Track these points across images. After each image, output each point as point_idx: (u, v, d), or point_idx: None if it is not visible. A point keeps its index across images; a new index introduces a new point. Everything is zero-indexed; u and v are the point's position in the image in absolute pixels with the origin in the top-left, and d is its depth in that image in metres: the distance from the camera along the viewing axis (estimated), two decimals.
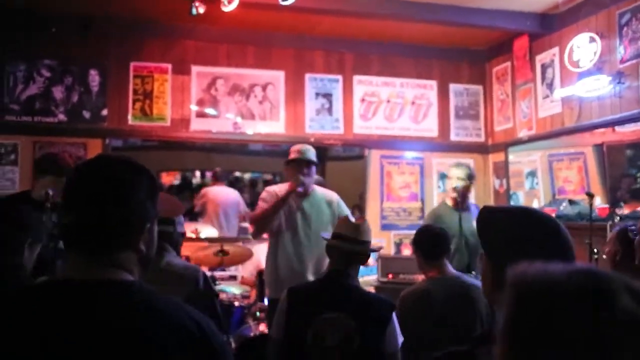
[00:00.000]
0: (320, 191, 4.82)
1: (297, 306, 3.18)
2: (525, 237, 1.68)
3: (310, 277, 4.52)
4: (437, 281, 3.67)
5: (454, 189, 5.36)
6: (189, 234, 6.55)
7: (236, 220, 8.44)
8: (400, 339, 3.17)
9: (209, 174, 11.92)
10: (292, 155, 4.66)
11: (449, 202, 5.47)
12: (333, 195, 4.84)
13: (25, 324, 1.35)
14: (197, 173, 12.65)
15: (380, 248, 4.06)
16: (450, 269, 3.80)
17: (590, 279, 0.89)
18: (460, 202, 5.32)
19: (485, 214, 1.84)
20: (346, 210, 4.73)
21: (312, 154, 4.67)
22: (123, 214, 1.47)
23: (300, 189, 4.57)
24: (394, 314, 3.17)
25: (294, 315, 3.15)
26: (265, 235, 5.04)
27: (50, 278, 1.50)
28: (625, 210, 5.90)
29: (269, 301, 4.83)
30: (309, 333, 3.04)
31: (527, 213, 1.81)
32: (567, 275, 0.90)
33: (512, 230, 1.72)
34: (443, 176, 7.42)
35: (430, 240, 3.80)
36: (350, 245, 3.30)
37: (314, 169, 4.69)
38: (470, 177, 5.39)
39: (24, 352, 1.32)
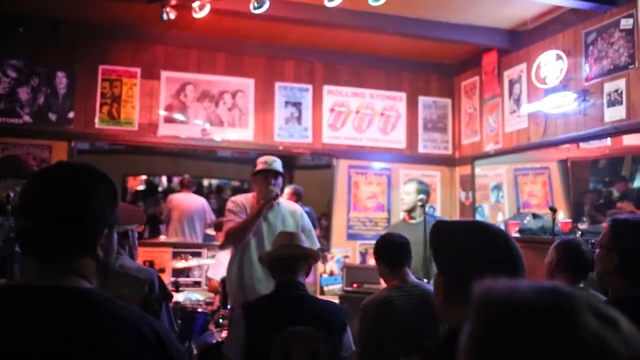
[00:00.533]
0: (284, 202, 4.87)
1: (256, 324, 3.14)
2: (476, 251, 1.70)
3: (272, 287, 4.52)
4: (400, 290, 3.65)
5: (401, 201, 5.66)
6: (180, 263, 6.52)
7: (201, 227, 8.40)
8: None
9: (176, 180, 11.85)
10: (259, 167, 4.66)
11: (405, 217, 5.63)
12: (297, 207, 4.90)
13: None
14: (164, 178, 12.56)
15: (318, 252, 4.06)
16: (412, 277, 3.81)
17: (556, 297, 0.90)
18: (412, 216, 5.48)
19: (438, 228, 1.86)
20: (308, 223, 4.79)
21: (278, 164, 4.68)
22: (79, 220, 1.46)
23: (276, 201, 4.61)
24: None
25: (254, 334, 3.11)
26: None
27: (6, 283, 1.47)
28: (586, 225, 5.99)
29: (230, 308, 4.81)
30: (273, 350, 3.03)
31: (477, 227, 1.83)
32: (535, 294, 0.91)
33: (463, 245, 1.74)
34: None
35: (393, 249, 3.79)
36: (287, 249, 3.40)
37: (280, 179, 4.70)
38: (419, 191, 5.48)
39: None
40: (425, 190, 5.55)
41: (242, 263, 4.61)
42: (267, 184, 4.58)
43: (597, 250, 2.38)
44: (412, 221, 5.45)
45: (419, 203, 5.40)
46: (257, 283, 4.53)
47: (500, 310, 0.90)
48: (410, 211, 5.51)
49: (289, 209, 4.80)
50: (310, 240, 4.36)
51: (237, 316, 3.26)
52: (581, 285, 3.44)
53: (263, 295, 3.61)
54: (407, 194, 5.52)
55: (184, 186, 9.07)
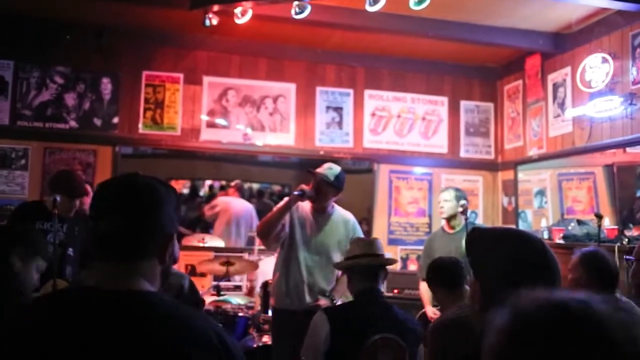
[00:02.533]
0: (339, 210, 4.84)
1: (340, 330, 3.15)
2: (514, 259, 1.69)
3: (316, 291, 4.53)
4: (468, 308, 3.56)
5: (440, 210, 5.56)
6: (196, 243, 6.56)
7: (246, 232, 8.42)
8: None
9: (216, 184, 11.95)
10: (319, 170, 4.65)
11: (445, 226, 5.58)
12: (350, 216, 4.85)
13: (55, 330, 1.38)
14: (207, 182, 12.67)
15: (395, 260, 4.10)
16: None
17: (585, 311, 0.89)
18: (452, 225, 5.42)
19: (474, 236, 1.85)
20: (359, 232, 4.78)
21: (330, 173, 4.62)
22: (157, 225, 1.54)
23: (308, 193, 4.57)
24: None
25: (340, 342, 3.12)
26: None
27: (77, 284, 1.52)
28: (634, 232, 5.85)
29: (273, 311, 4.82)
30: (360, 356, 3.04)
31: (514, 234, 1.81)
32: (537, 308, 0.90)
33: (500, 252, 1.72)
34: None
35: (447, 269, 3.72)
36: (374, 259, 3.40)
37: (330, 189, 4.65)
38: (457, 198, 5.44)
39: (53, 356, 1.35)
40: (463, 196, 5.50)
41: (288, 267, 4.60)
42: (317, 188, 4.60)
43: (634, 265, 2.35)
44: (452, 231, 5.41)
45: (460, 209, 5.34)
46: (301, 285, 4.53)
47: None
48: (450, 219, 5.45)
49: (342, 217, 4.78)
50: None
51: (319, 321, 3.26)
52: (617, 295, 3.34)
53: (345, 302, 3.66)
54: (445, 201, 5.46)
55: (236, 190, 9.06)
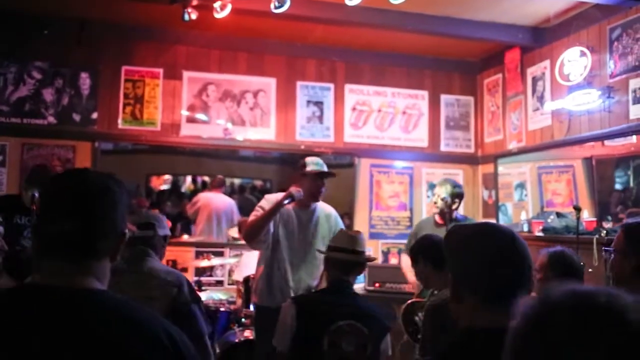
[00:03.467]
0: (321, 205, 4.82)
1: (308, 317, 3.23)
2: (482, 252, 1.76)
3: (302, 288, 4.51)
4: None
5: (434, 204, 5.51)
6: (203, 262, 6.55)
7: (227, 228, 8.41)
8: None
9: (199, 180, 11.93)
10: (310, 168, 4.61)
11: (436, 217, 5.53)
12: (332, 210, 4.85)
13: (2, 328, 1.36)
14: (188, 178, 12.63)
15: (374, 259, 4.10)
16: None
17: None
18: (447, 219, 5.31)
19: (449, 233, 1.95)
20: (341, 225, 4.78)
21: (321, 164, 4.68)
22: (112, 224, 1.52)
23: (297, 196, 4.52)
24: None
25: (305, 326, 3.21)
26: None
27: (27, 282, 1.50)
28: (611, 224, 5.92)
29: (255, 307, 4.78)
30: (324, 341, 3.13)
31: (483, 229, 1.88)
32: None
33: (470, 247, 1.81)
34: (432, 186, 7.45)
35: (437, 248, 3.65)
36: (349, 256, 3.44)
37: (325, 180, 4.70)
38: (453, 196, 5.39)
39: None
40: (460, 193, 5.48)
41: (272, 263, 4.57)
42: (316, 185, 4.60)
43: (612, 256, 2.38)
44: (442, 223, 5.35)
45: (455, 206, 5.35)
46: (285, 284, 4.51)
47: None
48: (442, 213, 5.42)
49: (325, 212, 4.78)
50: None
51: (286, 306, 3.33)
52: None
53: (315, 291, 3.70)
54: (441, 200, 5.38)
55: (215, 186, 9.09)
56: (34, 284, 1.49)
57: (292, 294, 4.40)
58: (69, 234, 1.47)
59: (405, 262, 5.28)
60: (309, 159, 4.71)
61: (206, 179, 11.53)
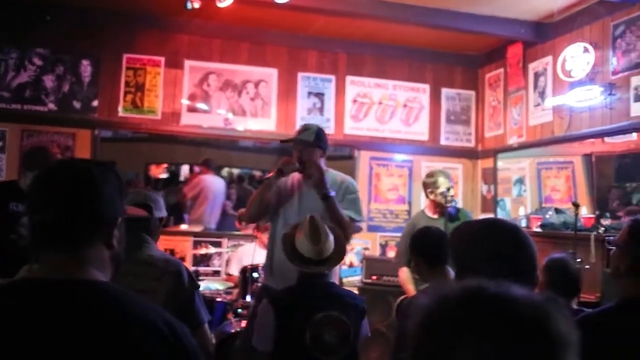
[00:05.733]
0: (333, 173, 4.36)
1: (286, 314, 3.17)
2: (484, 250, 1.75)
3: None
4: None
5: (441, 194, 5.13)
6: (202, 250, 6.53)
7: (219, 211, 8.39)
8: None
9: (197, 169, 11.85)
10: (295, 136, 4.32)
11: (428, 212, 5.31)
12: (345, 178, 4.41)
13: (2, 323, 1.35)
14: (186, 167, 12.61)
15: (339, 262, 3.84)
16: (453, 275, 3.41)
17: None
18: (445, 212, 5.08)
19: (456, 230, 1.95)
20: (352, 195, 4.32)
21: (308, 134, 4.24)
22: (95, 208, 1.49)
23: (288, 170, 4.18)
24: None
25: (286, 324, 3.15)
26: (250, 232, 4.83)
27: (24, 276, 1.49)
28: (609, 221, 5.92)
29: (261, 286, 4.54)
30: (306, 335, 3.07)
31: (488, 225, 1.87)
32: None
33: (472, 244, 1.79)
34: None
35: (435, 244, 3.51)
36: (312, 268, 3.30)
37: (314, 151, 4.24)
38: (448, 185, 5.16)
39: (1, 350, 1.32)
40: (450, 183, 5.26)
41: (272, 242, 4.28)
42: (296, 154, 4.23)
43: (614, 250, 2.38)
44: (436, 216, 5.15)
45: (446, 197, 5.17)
46: (287, 266, 4.22)
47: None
48: (438, 204, 5.17)
49: (335, 180, 4.31)
50: (354, 210, 4.19)
51: (264, 309, 3.24)
52: (575, 306, 3.41)
53: (289, 286, 3.51)
54: (441, 193, 5.13)
55: (208, 168, 8.75)
56: (29, 277, 1.49)
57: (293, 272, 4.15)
58: (52, 224, 1.46)
59: (403, 275, 5.04)
60: (301, 126, 4.44)
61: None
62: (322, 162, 4.29)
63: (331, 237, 3.36)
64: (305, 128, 4.31)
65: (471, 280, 0.97)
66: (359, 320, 3.27)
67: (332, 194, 4.07)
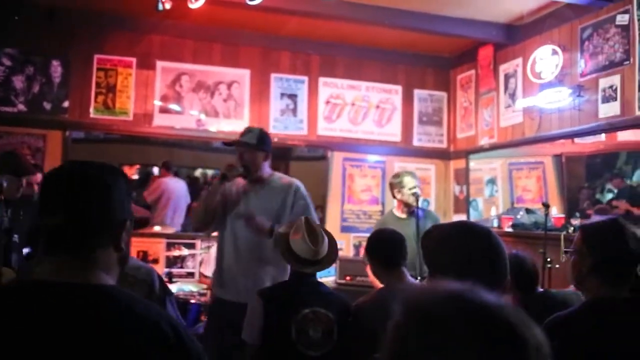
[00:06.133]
0: (280, 177, 4.28)
1: (274, 308, 3.24)
2: (460, 253, 1.78)
3: (250, 278, 3.97)
4: (396, 291, 3.25)
5: (413, 195, 5.09)
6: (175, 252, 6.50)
7: (183, 213, 8.35)
8: None
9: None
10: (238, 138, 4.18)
11: (396, 212, 5.29)
12: (294, 181, 4.25)
13: (8, 326, 1.36)
14: (155, 168, 12.52)
15: (334, 261, 3.80)
16: (409, 277, 3.52)
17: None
18: (413, 212, 5.09)
19: (429, 232, 1.95)
20: (304, 200, 4.19)
21: (250, 136, 4.12)
22: (107, 212, 1.52)
23: (232, 173, 4.04)
24: None
25: (273, 318, 3.22)
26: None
27: (31, 279, 1.50)
28: (579, 221, 6.01)
29: (212, 299, 4.44)
30: (292, 330, 3.16)
31: (462, 229, 1.90)
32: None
33: (448, 247, 1.81)
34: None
35: (387, 247, 3.56)
36: (310, 268, 3.40)
37: (256, 153, 4.11)
38: (416, 185, 5.18)
39: (7, 353, 1.34)
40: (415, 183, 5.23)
41: (221, 250, 4.18)
42: (238, 156, 4.09)
43: (572, 257, 2.46)
44: (404, 216, 5.17)
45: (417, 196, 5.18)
46: (232, 274, 4.07)
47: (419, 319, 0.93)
48: (406, 204, 5.19)
49: (282, 184, 4.20)
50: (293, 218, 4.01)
51: (255, 304, 3.29)
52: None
53: (279, 283, 3.68)
54: (412, 193, 5.10)
55: (167, 170, 8.77)
56: (37, 279, 1.49)
57: (243, 281, 3.99)
58: (59, 229, 1.48)
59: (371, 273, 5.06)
60: (244, 129, 4.31)
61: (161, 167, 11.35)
62: (266, 165, 4.21)
63: (326, 240, 3.45)
64: (248, 130, 4.23)
65: (446, 284, 0.98)
66: (345, 315, 3.34)
67: (274, 226, 3.95)
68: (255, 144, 4.11)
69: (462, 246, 1.78)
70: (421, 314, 0.94)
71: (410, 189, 5.15)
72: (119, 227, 1.54)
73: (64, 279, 1.44)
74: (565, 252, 2.53)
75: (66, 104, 6.65)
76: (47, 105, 6.59)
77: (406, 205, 5.20)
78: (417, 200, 5.10)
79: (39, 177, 5.26)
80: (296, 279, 3.45)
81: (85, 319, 1.38)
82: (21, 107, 6.52)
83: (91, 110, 6.73)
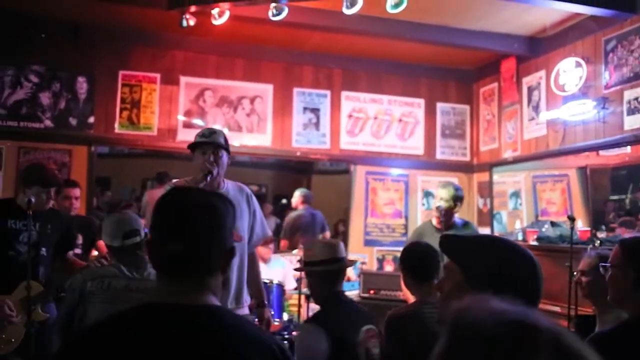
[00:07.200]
0: (233, 184, 4.01)
1: (337, 336, 3.11)
2: (506, 272, 1.71)
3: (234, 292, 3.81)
4: (429, 305, 3.31)
5: (437, 208, 5.23)
6: None
7: None
8: None
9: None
10: (195, 140, 3.79)
11: (434, 222, 5.33)
12: (243, 187, 4.04)
13: (133, 346, 1.43)
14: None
15: (354, 262, 3.78)
16: None
17: (519, 332, 0.90)
18: (444, 222, 5.18)
19: (469, 241, 1.88)
20: (258, 204, 4.05)
21: (218, 136, 3.80)
22: (220, 241, 1.59)
23: (208, 178, 3.66)
24: None
25: (338, 345, 3.09)
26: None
27: (150, 301, 1.56)
28: (605, 234, 5.94)
29: None
30: (360, 351, 3.14)
31: (509, 247, 1.82)
32: (496, 323, 0.90)
33: (495, 262, 1.74)
34: (427, 194, 7.49)
35: (421, 260, 3.56)
36: (334, 266, 3.37)
37: (224, 155, 3.81)
38: (455, 199, 5.24)
39: None
40: (461, 197, 5.26)
41: None
42: (204, 157, 3.70)
43: (610, 273, 2.40)
44: (439, 226, 5.18)
45: (456, 210, 5.19)
46: None
47: (467, 336, 0.90)
48: (442, 216, 5.18)
49: (237, 190, 3.96)
50: (261, 226, 4.03)
51: (313, 334, 3.14)
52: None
53: (322, 310, 3.40)
54: (444, 201, 5.17)
55: (161, 181, 8.60)
56: (155, 302, 1.55)
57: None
58: (177, 255, 1.54)
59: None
60: (198, 132, 3.90)
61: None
62: (225, 165, 3.86)
63: (342, 244, 3.57)
64: (212, 131, 3.85)
65: (494, 302, 0.95)
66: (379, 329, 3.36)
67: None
68: (224, 144, 3.82)
69: (508, 267, 1.71)
70: (478, 338, 0.89)
71: (440, 199, 5.21)
72: (229, 253, 1.62)
73: (179, 301, 1.51)
74: (603, 266, 2.45)
75: (91, 119, 6.73)
76: (73, 121, 6.68)
77: (437, 216, 5.24)
78: (441, 213, 5.12)
79: (77, 191, 5.36)
80: (338, 300, 3.37)
81: (199, 338, 1.44)
82: (48, 122, 6.61)
83: (116, 125, 6.80)
